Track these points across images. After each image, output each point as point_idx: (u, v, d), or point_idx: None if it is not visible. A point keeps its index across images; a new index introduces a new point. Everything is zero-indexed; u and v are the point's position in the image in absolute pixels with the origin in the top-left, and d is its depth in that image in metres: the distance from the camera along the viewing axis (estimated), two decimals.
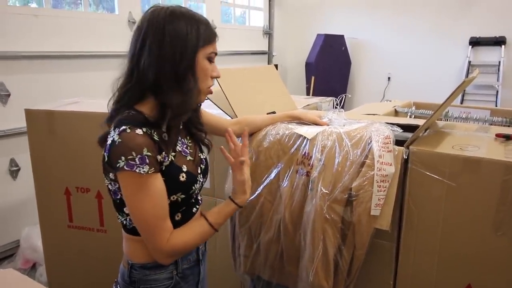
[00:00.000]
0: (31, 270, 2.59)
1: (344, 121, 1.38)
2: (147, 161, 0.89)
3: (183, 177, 0.99)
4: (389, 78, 5.39)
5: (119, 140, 0.89)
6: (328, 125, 1.37)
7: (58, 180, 1.86)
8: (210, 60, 1.02)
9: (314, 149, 1.21)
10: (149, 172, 0.89)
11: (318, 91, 5.08)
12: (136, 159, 0.88)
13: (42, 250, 2.03)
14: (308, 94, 5.19)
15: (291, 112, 1.44)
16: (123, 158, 0.88)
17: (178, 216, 1.04)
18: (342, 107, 1.57)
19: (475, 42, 4.77)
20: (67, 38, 2.94)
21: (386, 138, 1.15)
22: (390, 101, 3.90)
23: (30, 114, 1.84)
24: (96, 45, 3.04)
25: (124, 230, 1.05)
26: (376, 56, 5.45)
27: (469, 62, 4.79)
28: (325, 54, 5.23)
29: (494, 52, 4.71)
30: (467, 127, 1.49)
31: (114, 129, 0.92)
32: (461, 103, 4.74)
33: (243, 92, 1.58)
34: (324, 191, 1.16)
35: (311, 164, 1.20)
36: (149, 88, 0.96)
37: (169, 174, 0.96)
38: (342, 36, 5.36)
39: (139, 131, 0.90)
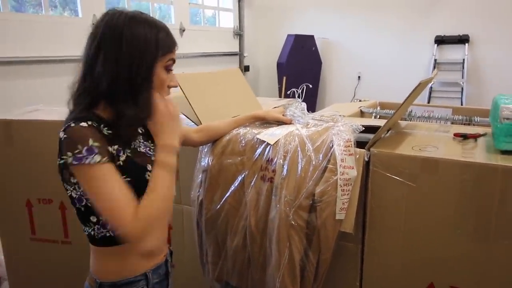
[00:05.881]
0: None
1: (307, 117, 1.39)
2: (96, 151, 0.86)
3: (149, 175, 0.96)
4: (359, 77, 5.49)
5: (64, 136, 0.87)
6: (291, 121, 1.38)
7: (18, 191, 1.80)
8: (168, 69, 0.99)
9: (277, 154, 1.20)
10: (102, 161, 0.86)
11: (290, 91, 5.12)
12: (83, 151, 0.85)
13: None
14: (280, 94, 5.21)
15: (254, 113, 1.42)
16: (69, 153, 0.85)
17: None
18: (304, 99, 1.59)
19: (440, 41, 4.92)
20: (28, 42, 2.85)
21: (347, 142, 1.15)
22: (360, 100, 3.97)
23: None
24: (59, 50, 2.96)
25: (92, 242, 1.01)
26: (346, 55, 5.54)
27: (435, 60, 4.93)
28: (296, 54, 5.26)
29: (458, 50, 4.87)
30: (429, 127, 1.52)
31: (61, 130, 0.90)
32: (428, 100, 4.87)
33: (207, 97, 1.56)
34: (289, 197, 1.16)
35: (274, 170, 1.20)
36: (101, 96, 0.93)
37: (134, 173, 0.94)
38: (312, 36, 5.41)
39: (83, 124, 0.88)
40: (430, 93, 4.93)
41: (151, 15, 0.99)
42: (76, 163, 0.85)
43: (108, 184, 0.87)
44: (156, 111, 0.96)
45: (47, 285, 1.88)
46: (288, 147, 1.20)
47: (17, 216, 1.81)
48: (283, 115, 1.41)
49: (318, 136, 1.20)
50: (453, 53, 4.90)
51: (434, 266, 1.17)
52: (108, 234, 0.98)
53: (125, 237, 0.89)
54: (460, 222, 1.11)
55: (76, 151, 0.85)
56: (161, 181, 0.93)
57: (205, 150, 1.37)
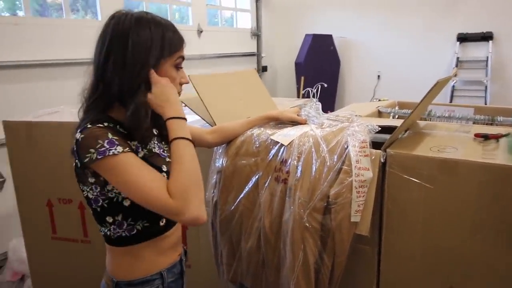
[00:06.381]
0: (19, 282, 2.55)
1: (322, 117, 1.36)
2: (117, 142, 0.88)
3: (164, 176, 0.96)
4: (378, 76, 5.40)
5: (82, 136, 0.88)
6: (306, 121, 1.36)
7: (40, 191, 1.84)
8: (178, 66, 1.00)
9: (291, 155, 1.19)
10: (124, 151, 0.88)
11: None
12: (105, 144, 0.87)
13: None
14: (298, 94, 5.18)
15: (268, 114, 1.41)
16: (92, 150, 0.86)
17: (162, 222, 1.03)
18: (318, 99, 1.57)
19: (463, 38, 4.79)
20: (49, 46, 2.91)
21: (362, 143, 1.13)
22: (379, 100, 3.89)
23: (9, 126, 1.81)
24: (79, 52, 3.00)
25: (108, 242, 1.02)
26: (365, 54, 5.46)
27: (458, 58, 4.81)
28: (314, 54, 5.22)
29: (481, 48, 4.73)
30: (448, 127, 1.48)
31: (77, 132, 0.91)
32: (451, 99, 4.76)
33: (222, 98, 1.56)
34: (303, 199, 1.14)
35: (288, 171, 1.19)
36: (114, 98, 0.95)
37: None
38: (330, 36, 5.36)
39: (100, 125, 0.90)
40: (452, 92, 4.81)
41: (168, 17, 1.00)
42: (100, 157, 0.86)
43: (135, 171, 0.87)
44: (158, 85, 0.95)
45: (68, 283, 1.92)
46: (302, 148, 1.18)
47: (39, 216, 1.86)
48: (298, 115, 1.40)
49: (332, 137, 1.19)
50: (477, 50, 4.77)
51: (453, 270, 1.13)
52: (124, 234, 0.99)
53: (171, 216, 0.90)
54: (481, 226, 1.07)
55: (98, 146, 0.86)
56: (182, 150, 0.92)
57: (220, 151, 1.37)
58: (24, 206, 1.89)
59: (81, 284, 1.88)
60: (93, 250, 1.82)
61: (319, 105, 1.44)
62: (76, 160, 0.92)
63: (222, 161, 1.32)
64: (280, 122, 1.39)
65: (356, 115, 1.35)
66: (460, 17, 4.78)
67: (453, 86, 4.80)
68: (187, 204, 0.86)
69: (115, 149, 0.87)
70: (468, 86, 4.83)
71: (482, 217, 1.06)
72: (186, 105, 1.52)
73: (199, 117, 1.52)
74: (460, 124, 1.67)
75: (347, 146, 1.14)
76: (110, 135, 0.88)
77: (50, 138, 1.77)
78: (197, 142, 1.25)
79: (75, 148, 0.90)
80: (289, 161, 1.19)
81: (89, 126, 0.89)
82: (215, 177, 1.36)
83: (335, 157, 1.15)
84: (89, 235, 1.83)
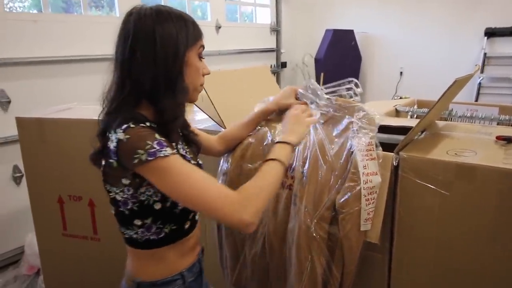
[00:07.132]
0: (35, 276, 2.59)
1: (321, 100, 1.22)
2: (165, 144, 0.85)
3: None
4: (401, 72, 5.24)
5: (127, 136, 0.84)
6: (306, 103, 1.23)
7: (51, 188, 1.84)
8: (200, 56, 0.99)
9: (295, 160, 1.14)
10: (173, 152, 0.86)
11: None
12: (154, 145, 0.83)
13: None
14: None
15: (264, 109, 1.28)
16: (141, 151, 0.82)
17: (187, 224, 1.01)
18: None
19: (491, 33, 4.59)
20: (67, 42, 2.93)
21: (368, 145, 1.06)
22: (401, 97, 3.74)
23: (21, 122, 1.83)
24: (97, 48, 3.02)
25: (133, 245, 0.99)
26: (388, 50, 5.30)
27: (485, 54, 4.61)
28: (335, 50, 5.11)
29: (511, 43, 4.52)
30: (469, 128, 1.39)
31: (115, 131, 0.86)
32: (476, 98, 4.57)
33: (232, 96, 1.51)
34: (309, 208, 1.08)
35: (293, 177, 1.13)
36: (144, 96, 0.93)
37: None
38: (351, 31, 5.23)
39: (143, 125, 0.87)
40: (478, 89, 4.62)
41: (187, 12, 0.98)
42: (151, 158, 0.82)
43: (190, 172, 0.86)
44: (287, 113, 1.14)
45: (78, 279, 1.93)
46: (307, 152, 1.13)
47: (50, 212, 1.86)
48: (296, 97, 1.26)
49: (337, 139, 1.12)
50: (505, 46, 4.56)
51: (468, 281, 1.06)
52: (152, 237, 0.97)
53: (230, 212, 0.85)
54: (499, 236, 1.00)
55: (148, 147, 0.83)
56: (272, 170, 0.95)
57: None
58: (36, 202, 1.90)
59: (91, 280, 1.89)
60: (103, 247, 1.82)
61: (316, 85, 1.25)
62: (110, 160, 0.87)
63: (228, 163, 1.28)
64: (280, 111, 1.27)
65: (357, 85, 1.23)
66: (488, 11, 4.58)
67: (480, 84, 4.61)
68: (248, 204, 0.86)
69: (165, 150, 0.84)
70: (496, 83, 4.63)
71: (501, 226, 0.99)
72: (194, 104, 1.49)
73: (208, 117, 1.49)
74: (482, 125, 1.58)
75: (353, 151, 1.07)
76: (157, 136, 0.86)
77: (62, 135, 1.78)
78: (205, 150, 1.21)
79: (115, 149, 0.85)
80: (294, 165, 1.13)
81: (132, 125, 0.85)
82: (221, 179, 1.31)
83: (341, 162, 1.09)
84: (98, 232, 1.82)
